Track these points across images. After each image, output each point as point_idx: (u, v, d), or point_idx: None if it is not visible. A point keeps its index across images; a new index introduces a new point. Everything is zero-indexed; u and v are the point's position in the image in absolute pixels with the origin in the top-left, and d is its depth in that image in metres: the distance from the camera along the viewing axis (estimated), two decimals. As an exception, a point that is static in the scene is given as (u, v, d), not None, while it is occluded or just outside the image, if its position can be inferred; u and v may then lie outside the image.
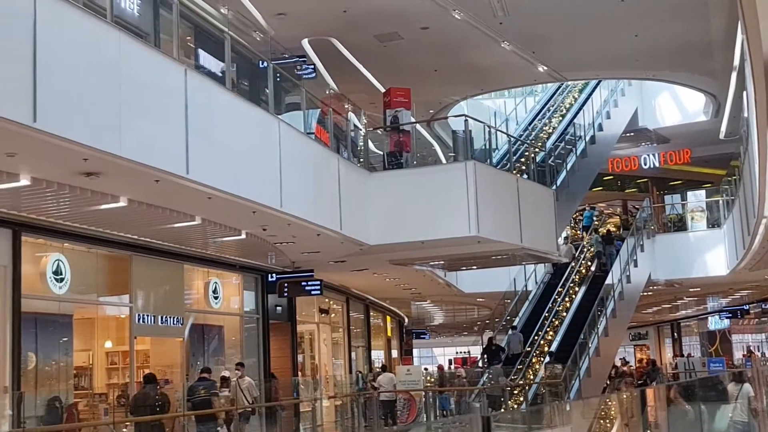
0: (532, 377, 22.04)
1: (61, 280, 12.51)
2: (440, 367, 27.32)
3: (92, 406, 14.10)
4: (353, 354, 26.26)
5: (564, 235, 26.29)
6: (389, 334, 33.40)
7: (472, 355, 43.83)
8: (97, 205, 10.74)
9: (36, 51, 7.69)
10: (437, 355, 61.05)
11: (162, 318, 14.77)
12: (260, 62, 14.69)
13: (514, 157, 20.63)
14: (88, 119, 8.54)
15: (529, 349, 23.01)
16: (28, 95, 7.57)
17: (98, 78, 8.79)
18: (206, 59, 13.67)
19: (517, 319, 24.84)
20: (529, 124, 28.65)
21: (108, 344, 15.65)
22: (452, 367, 38.95)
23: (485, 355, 23.21)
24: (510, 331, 23.10)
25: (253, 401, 14.92)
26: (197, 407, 13.18)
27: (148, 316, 14.43)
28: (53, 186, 9.65)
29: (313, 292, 18.12)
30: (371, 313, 29.30)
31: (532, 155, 21.27)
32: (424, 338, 42.45)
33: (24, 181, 9.28)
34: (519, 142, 23.68)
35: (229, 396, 14.57)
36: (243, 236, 13.97)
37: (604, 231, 29.41)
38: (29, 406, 11.59)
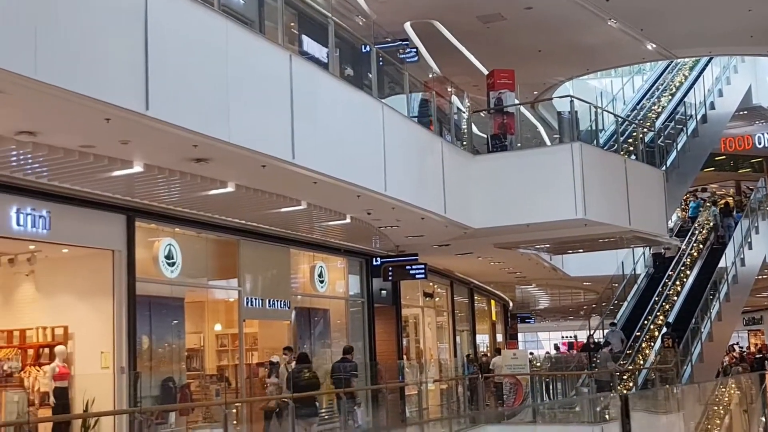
0: (641, 362, 21.58)
1: (173, 264, 12.83)
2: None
3: (204, 387, 14.47)
4: (458, 338, 26.20)
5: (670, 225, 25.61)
6: (494, 318, 33.20)
7: (579, 340, 43.18)
8: (206, 191, 10.98)
9: (147, 41, 7.88)
10: (542, 340, 60.37)
11: (269, 301, 15.01)
12: (363, 47, 14.71)
13: (622, 138, 20.15)
14: (197, 106, 8.71)
15: (639, 333, 22.50)
16: (140, 84, 7.77)
17: (207, 66, 8.96)
18: (310, 45, 13.76)
19: (621, 312, 24.30)
20: (637, 104, 27.97)
21: (218, 327, 16.01)
22: (557, 350, 38.43)
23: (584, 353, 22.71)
24: (610, 328, 22.44)
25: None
26: (340, 386, 13.46)
27: (255, 299, 14.69)
28: (165, 172, 9.90)
29: (417, 276, 18.11)
30: (476, 297, 29.16)
31: (641, 135, 20.74)
32: (529, 323, 42.01)
33: (137, 168, 9.55)
34: (627, 123, 23.11)
35: (278, 383, 13.65)
36: (348, 220, 14.06)
37: (722, 204, 28.48)
38: (145, 386, 11.95)
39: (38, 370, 12.23)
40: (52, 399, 11.63)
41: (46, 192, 10.21)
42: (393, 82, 16.09)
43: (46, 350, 12.46)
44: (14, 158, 8.84)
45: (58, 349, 12.00)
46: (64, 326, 12.40)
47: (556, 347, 40.35)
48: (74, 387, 11.69)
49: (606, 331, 22.46)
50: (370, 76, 13.63)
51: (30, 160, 8.96)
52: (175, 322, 13.28)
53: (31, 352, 12.69)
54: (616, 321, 23.28)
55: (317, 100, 11.06)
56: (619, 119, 21.72)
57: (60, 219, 10.54)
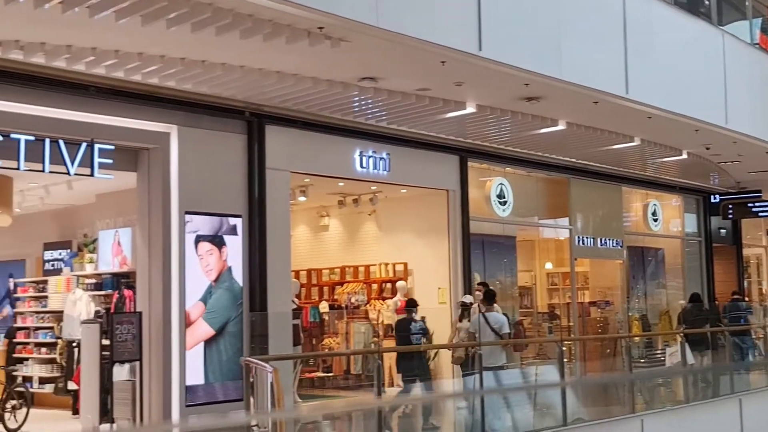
0: None
1: (504, 203, 13.03)
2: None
3: (536, 324, 14.65)
4: (807, 281, 24.28)
5: None
6: None
7: None
8: (536, 130, 11.01)
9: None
10: None
11: (601, 240, 14.80)
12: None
13: None
14: (528, 44, 8.70)
15: None
16: (473, 26, 7.90)
17: (537, 4, 8.92)
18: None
19: None
20: None
21: (548, 265, 16.10)
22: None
23: None
24: None
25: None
26: (733, 323, 13.81)
27: (587, 238, 14.55)
28: (496, 112, 10.05)
29: (761, 214, 17.10)
30: (827, 237, 26.80)
31: None
32: None
33: (470, 109, 9.78)
34: None
35: (470, 328, 10.69)
36: (684, 156, 13.52)
37: None
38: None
39: (382, 304, 13.05)
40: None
41: (385, 135, 10.77)
42: (733, 8, 15.01)
43: (388, 285, 13.27)
44: (356, 104, 9.39)
45: (400, 284, 12.72)
46: (404, 263, 13.12)
47: None
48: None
49: None
50: (708, 2, 12.80)
51: (371, 105, 9.49)
52: (505, 260, 13.52)
53: (374, 286, 13.58)
54: None
55: (651, 31, 10.60)
56: None
57: (398, 161, 11.07)
